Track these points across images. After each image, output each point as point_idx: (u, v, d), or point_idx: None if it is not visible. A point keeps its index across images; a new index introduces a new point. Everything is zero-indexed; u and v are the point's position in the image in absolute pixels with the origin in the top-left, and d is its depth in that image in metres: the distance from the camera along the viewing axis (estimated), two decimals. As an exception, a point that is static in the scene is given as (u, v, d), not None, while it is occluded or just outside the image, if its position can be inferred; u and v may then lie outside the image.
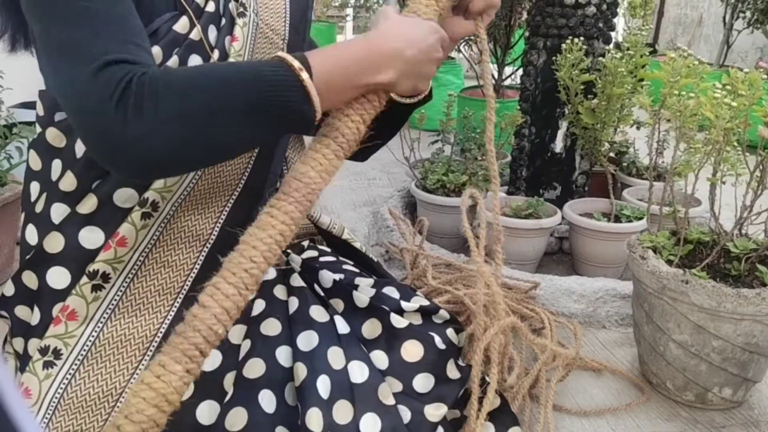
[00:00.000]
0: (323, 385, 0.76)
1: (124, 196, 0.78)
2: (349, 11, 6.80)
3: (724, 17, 4.50)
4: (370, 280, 0.93)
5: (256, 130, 0.67)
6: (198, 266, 0.81)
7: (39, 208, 0.81)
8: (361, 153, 1.02)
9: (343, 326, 0.85)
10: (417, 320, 0.89)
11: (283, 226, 0.64)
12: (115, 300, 0.78)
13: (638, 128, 2.29)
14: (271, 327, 0.82)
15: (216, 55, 0.79)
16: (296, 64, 0.65)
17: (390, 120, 0.91)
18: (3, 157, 1.89)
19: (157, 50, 0.73)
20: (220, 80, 0.64)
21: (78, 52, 0.63)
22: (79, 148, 0.77)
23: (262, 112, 0.65)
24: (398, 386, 0.81)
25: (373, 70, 0.69)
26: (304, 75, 0.65)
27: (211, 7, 0.80)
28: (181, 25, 0.76)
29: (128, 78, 0.61)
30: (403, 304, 0.90)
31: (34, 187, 0.82)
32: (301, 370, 0.76)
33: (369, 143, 0.87)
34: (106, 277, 0.77)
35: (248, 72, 0.66)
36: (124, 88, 0.61)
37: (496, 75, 3.57)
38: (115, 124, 0.61)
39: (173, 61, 0.75)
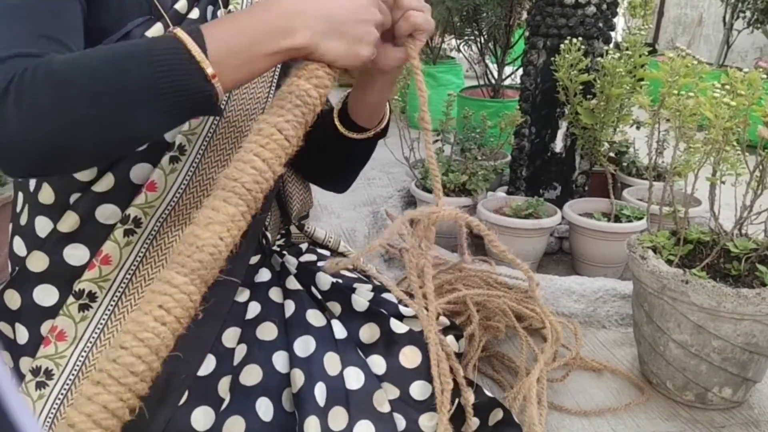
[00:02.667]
0: (320, 392, 0.75)
1: (106, 213, 0.76)
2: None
3: (724, 17, 4.50)
4: (369, 285, 0.93)
5: (149, 111, 0.60)
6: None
7: (23, 220, 0.80)
8: (338, 180, 1.01)
9: (340, 330, 0.84)
10: (416, 326, 0.89)
11: (180, 311, 0.54)
12: (103, 319, 0.77)
13: (638, 128, 2.29)
14: (267, 331, 0.81)
15: None
16: (184, 36, 0.59)
17: (351, 155, 0.89)
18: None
19: None
20: (104, 61, 0.59)
21: None
22: None
23: (151, 91, 0.58)
24: (395, 392, 0.80)
25: (281, 32, 0.62)
26: (192, 45, 0.58)
27: (194, 14, 0.78)
28: (155, 31, 0.73)
29: (12, 73, 0.57)
30: (402, 309, 0.89)
31: (20, 197, 0.81)
32: (299, 377, 0.75)
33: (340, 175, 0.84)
34: (92, 297, 0.76)
35: (135, 49, 0.60)
36: (8, 83, 0.57)
37: (496, 75, 3.56)
38: None
39: None
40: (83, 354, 0.76)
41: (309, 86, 0.64)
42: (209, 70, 0.59)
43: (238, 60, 0.61)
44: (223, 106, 0.81)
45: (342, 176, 1.00)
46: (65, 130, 0.58)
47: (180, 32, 0.59)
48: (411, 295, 0.96)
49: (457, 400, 0.83)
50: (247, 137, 0.62)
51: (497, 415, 0.90)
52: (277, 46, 0.63)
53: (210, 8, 0.81)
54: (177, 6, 0.77)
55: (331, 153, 0.92)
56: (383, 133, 0.88)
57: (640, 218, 2.07)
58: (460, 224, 0.74)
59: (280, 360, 0.79)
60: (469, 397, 0.83)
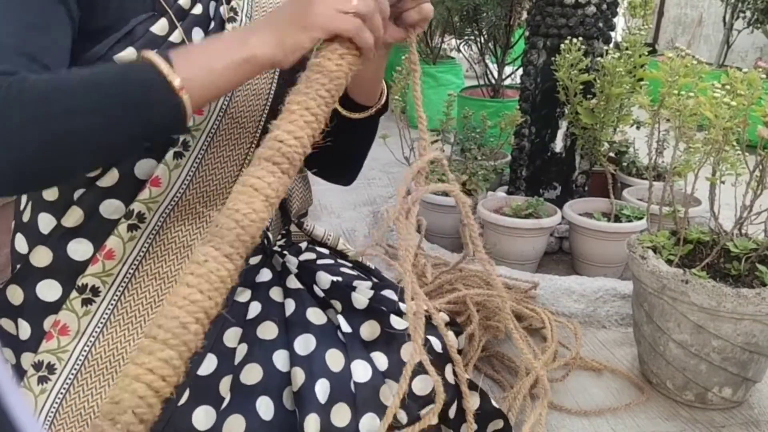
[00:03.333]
0: (322, 389, 0.75)
1: (110, 208, 0.77)
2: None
3: (724, 17, 4.50)
4: (369, 283, 0.93)
5: (122, 128, 0.61)
6: None
7: (26, 217, 0.80)
8: (344, 169, 1.01)
9: (345, 326, 0.84)
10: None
11: (217, 279, 0.54)
12: (106, 314, 0.77)
13: (638, 128, 2.29)
14: (268, 330, 0.81)
15: None
16: (153, 56, 0.61)
17: (354, 139, 0.89)
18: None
19: (130, 52, 0.71)
20: (78, 80, 0.60)
21: None
22: None
23: (124, 108, 0.60)
24: (396, 389, 0.81)
25: (239, 41, 0.64)
26: (158, 60, 0.60)
27: (197, 10, 0.78)
28: (160, 27, 0.74)
29: None
30: (402, 306, 0.90)
31: (23, 195, 0.81)
32: (299, 376, 0.75)
33: (347, 157, 0.83)
34: (95, 291, 0.76)
35: (110, 71, 0.62)
36: None
37: (496, 75, 3.57)
38: None
39: None
40: (86, 348, 0.76)
41: (331, 64, 0.64)
42: (176, 82, 0.60)
43: (203, 73, 0.63)
44: (226, 102, 0.81)
45: (348, 165, 1.00)
46: (40, 146, 0.58)
47: (149, 53, 0.62)
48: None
49: (456, 403, 0.83)
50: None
51: (497, 425, 0.90)
52: (236, 56, 0.64)
53: (213, 4, 0.81)
54: (180, 2, 0.77)
55: (335, 142, 0.94)
56: (384, 109, 0.88)
57: (640, 218, 2.07)
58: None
59: (280, 359, 0.79)
60: (472, 404, 0.83)
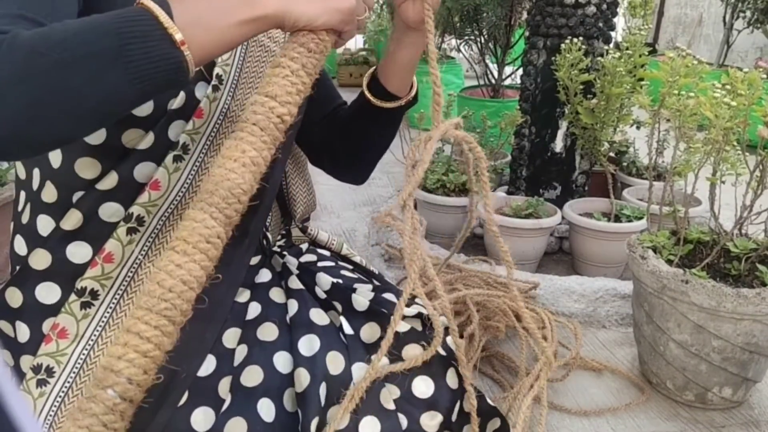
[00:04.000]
0: (324, 393, 0.75)
1: (109, 211, 0.76)
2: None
3: (724, 17, 4.50)
4: (369, 285, 0.93)
5: (118, 80, 0.57)
6: None
7: (25, 218, 0.79)
8: (361, 166, 1.02)
9: (348, 327, 0.84)
10: (417, 326, 0.88)
11: (198, 239, 0.56)
12: (105, 317, 0.76)
13: (638, 128, 2.29)
14: (268, 332, 0.81)
15: None
16: (150, 3, 0.58)
17: (380, 124, 0.89)
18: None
19: None
20: (71, 32, 0.56)
21: None
22: (54, 158, 0.76)
23: (120, 58, 0.56)
24: (396, 392, 0.81)
25: (249, 1, 0.63)
26: (158, 11, 0.57)
27: None
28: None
29: None
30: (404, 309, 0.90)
31: (22, 196, 0.81)
32: (304, 377, 0.75)
33: (367, 151, 0.84)
34: (94, 294, 0.76)
35: (102, 20, 0.58)
36: None
37: (496, 75, 3.56)
38: None
39: None
40: (84, 352, 0.76)
41: (301, 45, 0.64)
42: (177, 36, 0.58)
43: (206, 28, 0.60)
44: (227, 105, 0.81)
45: (366, 159, 1.00)
46: (33, 100, 0.55)
47: (147, 1, 0.58)
48: (412, 297, 0.96)
49: (459, 404, 0.83)
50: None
51: (495, 423, 0.90)
52: (245, 15, 0.62)
53: None
54: None
55: (356, 134, 0.94)
56: (414, 101, 0.89)
57: (640, 218, 2.07)
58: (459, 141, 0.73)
59: (281, 361, 0.79)
60: (474, 402, 0.83)
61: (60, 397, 0.74)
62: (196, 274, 0.55)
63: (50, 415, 0.74)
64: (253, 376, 0.76)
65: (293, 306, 0.84)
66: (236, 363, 0.78)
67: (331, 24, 0.67)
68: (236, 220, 0.60)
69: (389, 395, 0.78)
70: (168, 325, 0.53)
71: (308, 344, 0.79)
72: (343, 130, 0.95)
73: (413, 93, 0.89)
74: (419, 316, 0.91)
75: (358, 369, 0.79)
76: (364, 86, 0.89)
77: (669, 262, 1.39)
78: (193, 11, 0.60)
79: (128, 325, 0.52)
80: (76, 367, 0.75)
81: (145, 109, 0.74)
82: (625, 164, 2.55)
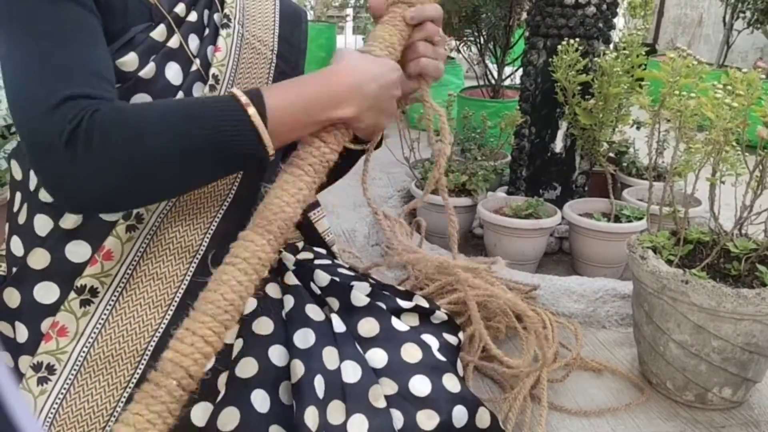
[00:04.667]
0: (319, 385, 0.76)
1: None
2: (349, 11, 6.81)
3: (724, 17, 4.50)
4: (366, 282, 0.94)
5: (208, 168, 0.69)
6: (188, 278, 0.80)
7: (22, 219, 0.80)
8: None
9: (339, 325, 0.84)
10: (414, 321, 0.89)
11: (257, 261, 0.65)
12: (105, 314, 0.77)
13: (638, 128, 2.29)
14: (264, 326, 0.82)
15: (198, 63, 0.79)
16: (244, 99, 0.66)
17: (345, 159, 0.92)
18: (2, 157, 1.89)
19: (132, 57, 0.73)
20: (171, 121, 0.65)
21: (37, 82, 0.65)
22: None
23: (213, 152, 0.66)
24: (393, 387, 0.81)
25: (333, 104, 0.71)
26: (252, 110, 0.66)
27: (192, 17, 0.80)
28: (159, 33, 0.76)
29: (80, 116, 0.63)
30: (401, 302, 0.90)
31: (17, 197, 0.81)
32: (299, 368, 0.76)
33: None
34: (94, 292, 0.77)
35: (199, 111, 0.67)
36: (75, 127, 0.62)
37: (495, 75, 3.56)
38: (64, 162, 0.63)
39: (149, 68, 0.74)
40: (85, 349, 0.76)
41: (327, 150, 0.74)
42: (265, 137, 0.67)
43: (291, 126, 0.70)
44: None
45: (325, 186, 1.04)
46: (131, 178, 0.65)
47: (245, 101, 0.66)
48: (410, 293, 0.97)
49: (465, 413, 0.83)
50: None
51: (483, 418, 0.89)
52: (327, 115, 0.71)
53: (206, 12, 0.83)
54: (177, 9, 0.79)
55: None
56: (379, 146, 0.92)
57: (640, 218, 2.07)
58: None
59: (276, 353, 0.79)
60: (485, 418, 0.84)
61: (62, 394, 0.75)
62: (250, 291, 0.64)
63: (51, 413, 0.74)
64: (247, 368, 0.77)
65: (289, 301, 0.85)
66: (232, 356, 0.79)
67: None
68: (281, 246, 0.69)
69: (380, 392, 0.79)
70: (224, 332, 0.62)
71: (303, 338, 0.80)
72: None
73: (380, 140, 0.90)
74: (416, 310, 0.91)
75: (347, 366, 0.80)
76: None
77: (669, 262, 1.39)
78: (284, 107, 0.69)
79: (194, 328, 0.61)
80: (77, 365, 0.75)
81: None
82: (624, 164, 2.56)
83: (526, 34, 2.31)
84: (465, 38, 3.59)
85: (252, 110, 0.66)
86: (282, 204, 0.68)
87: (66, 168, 0.64)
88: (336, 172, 0.92)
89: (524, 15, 3.20)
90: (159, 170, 0.66)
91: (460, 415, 0.81)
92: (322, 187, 1.02)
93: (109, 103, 0.65)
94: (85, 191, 0.65)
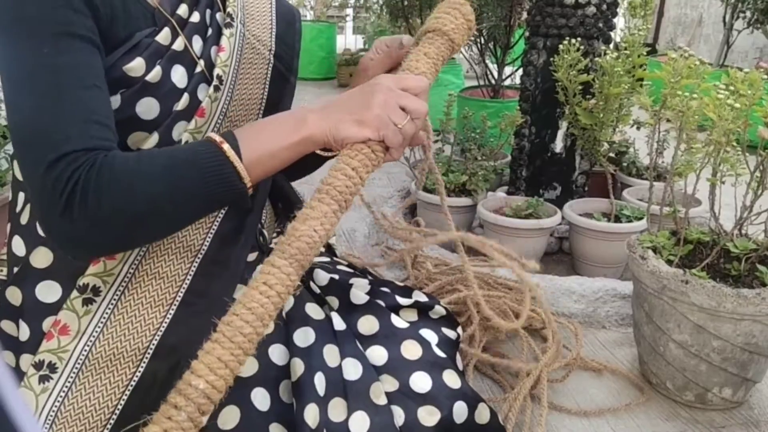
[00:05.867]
0: (320, 383, 0.76)
1: None
2: (349, 11, 6.81)
3: (724, 17, 4.50)
4: (365, 280, 0.94)
5: (196, 209, 0.72)
6: (190, 277, 0.80)
7: (24, 219, 0.80)
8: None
9: (339, 323, 0.85)
10: (413, 316, 0.89)
11: (281, 287, 0.66)
12: (107, 313, 0.77)
13: (638, 128, 2.29)
14: None
15: (202, 64, 0.80)
16: (229, 151, 0.70)
17: (310, 164, 0.92)
18: (2, 157, 1.89)
19: (139, 62, 0.73)
20: (161, 171, 0.68)
21: (37, 135, 0.66)
22: None
23: (202, 195, 0.70)
24: (394, 384, 0.81)
25: (295, 124, 0.73)
26: (234, 159, 0.69)
27: (195, 18, 0.80)
28: (163, 37, 0.76)
29: (78, 174, 0.65)
30: (399, 299, 0.91)
31: (20, 197, 0.81)
32: (299, 366, 0.76)
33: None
34: (96, 291, 0.77)
35: (185, 159, 0.70)
36: (74, 185, 0.65)
37: (496, 75, 3.56)
38: (62, 222, 0.66)
39: (156, 72, 0.74)
40: (86, 348, 0.76)
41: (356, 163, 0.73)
42: (244, 174, 0.70)
43: (262, 161, 0.72)
44: (226, 105, 0.83)
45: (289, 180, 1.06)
46: (127, 228, 0.68)
47: (223, 144, 0.70)
48: (409, 289, 0.97)
49: (465, 409, 0.83)
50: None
51: (483, 413, 0.90)
52: (292, 139, 0.72)
53: (208, 12, 0.83)
54: (179, 11, 0.79)
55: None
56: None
57: (640, 218, 2.07)
58: None
59: (276, 352, 0.80)
60: (484, 413, 0.84)
61: (63, 392, 0.75)
62: (271, 315, 0.65)
63: (53, 412, 0.74)
64: (247, 367, 0.77)
65: (289, 301, 0.85)
66: None
67: (378, 138, 0.74)
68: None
69: (381, 389, 0.79)
70: (243, 357, 0.63)
71: (303, 336, 0.81)
72: None
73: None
74: (415, 305, 0.91)
75: (348, 364, 0.80)
76: None
77: (669, 262, 1.39)
78: (255, 144, 0.72)
79: (219, 354, 0.62)
80: (79, 363, 0.76)
81: (152, 112, 0.75)
82: (625, 164, 2.55)
83: (526, 34, 2.31)
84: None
85: (230, 151, 0.70)
86: (311, 232, 0.69)
87: (65, 229, 0.67)
88: (301, 169, 0.93)
89: (524, 15, 3.20)
90: (151, 218, 0.68)
91: (460, 410, 0.82)
92: (292, 178, 1.03)
93: (103, 157, 0.67)
94: (83, 246, 0.69)
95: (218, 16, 0.84)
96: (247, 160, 0.70)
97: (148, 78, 0.74)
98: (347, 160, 0.71)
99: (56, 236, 0.68)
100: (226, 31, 0.82)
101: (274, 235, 1.04)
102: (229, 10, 0.83)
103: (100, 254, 0.74)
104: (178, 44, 0.77)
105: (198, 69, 0.79)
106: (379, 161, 0.74)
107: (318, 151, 0.76)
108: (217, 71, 0.80)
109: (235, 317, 0.63)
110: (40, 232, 0.78)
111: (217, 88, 0.80)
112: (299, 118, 0.73)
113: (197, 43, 0.80)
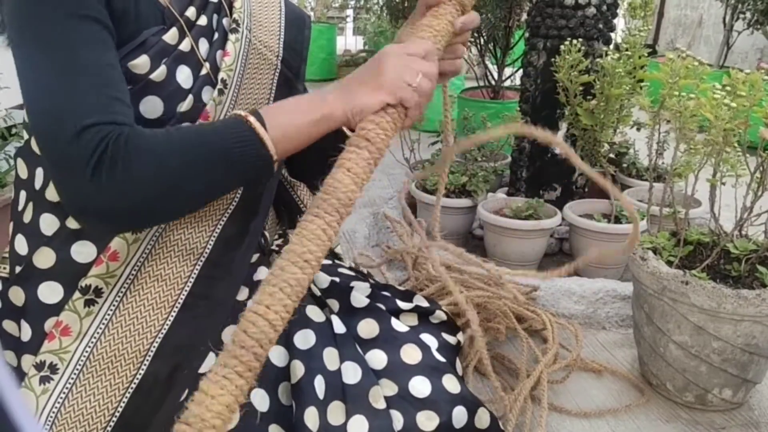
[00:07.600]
0: (319, 386, 0.76)
1: None
2: (350, 12, 6.81)
3: (724, 18, 4.50)
4: (366, 283, 0.94)
5: (225, 182, 0.73)
6: (192, 279, 0.80)
7: (27, 218, 0.80)
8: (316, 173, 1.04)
9: (339, 326, 0.85)
10: (413, 321, 0.89)
11: (321, 238, 0.64)
12: (108, 314, 0.77)
13: (638, 129, 2.29)
14: None
15: (207, 67, 0.80)
16: (256, 124, 0.71)
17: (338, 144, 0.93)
18: (2, 158, 1.89)
19: (144, 59, 0.74)
20: (190, 140, 0.70)
21: (62, 108, 0.66)
22: None
23: (227, 165, 0.71)
24: (393, 388, 0.81)
25: (317, 102, 0.74)
26: (261, 131, 0.71)
27: (202, 21, 0.81)
28: (170, 36, 0.77)
29: (105, 143, 0.65)
30: (400, 303, 0.91)
31: (22, 196, 0.81)
32: (299, 368, 0.76)
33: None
34: (98, 292, 0.77)
35: (213, 130, 0.72)
36: (102, 153, 0.65)
37: (496, 76, 3.57)
38: (89, 186, 0.66)
39: (161, 71, 0.75)
40: (88, 349, 0.76)
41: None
42: (269, 143, 0.71)
43: (289, 135, 0.73)
44: (230, 109, 0.84)
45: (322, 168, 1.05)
46: (155, 198, 0.68)
47: (250, 118, 0.71)
48: (410, 293, 0.97)
49: (465, 414, 0.83)
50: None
51: (483, 418, 0.90)
52: (314, 115, 0.73)
53: (215, 16, 0.84)
54: (188, 13, 0.80)
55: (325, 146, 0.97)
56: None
57: (640, 219, 2.06)
58: None
59: (276, 354, 0.80)
60: (484, 418, 0.84)
61: (64, 393, 0.75)
62: (284, 317, 0.63)
63: (53, 412, 0.74)
64: None
65: None
66: None
67: (395, 101, 0.73)
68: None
69: (380, 393, 0.79)
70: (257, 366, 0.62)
71: (304, 339, 0.81)
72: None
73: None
74: (415, 310, 0.91)
75: (348, 367, 0.80)
76: None
77: (669, 263, 1.39)
78: (278, 120, 0.73)
79: (233, 363, 0.61)
80: (80, 364, 0.76)
81: (156, 112, 0.75)
82: (625, 165, 2.55)
83: (526, 35, 2.31)
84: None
85: (257, 124, 0.71)
86: (345, 180, 0.67)
87: (91, 195, 0.66)
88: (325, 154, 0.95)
89: (524, 16, 3.20)
90: (177, 188, 0.69)
91: (460, 415, 0.81)
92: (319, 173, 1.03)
93: (130, 129, 0.67)
94: (108, 214, 0.69)
95: (225, 21, 0.85)
96: (272, 133, 0.71)
97: (152, 76, 0.74)
98: (367, 124, 0.71)
99: (81, 203, 0.68)
100: (232, 36, 0.83)
101: (276, 237, 1.04)
102: (235, 15, 0.85)
103: (121, 225, 0.73)
104: (185, 45, 0.78)
105: (203, 71, 0.80)
106: (401, 124, 0.75)
107: (344, 128, 0.77)
108: (221, 75, 0.81)
109: (284, 267, 0.63)
110: (43, 231, 0.78)
111: (221, 92, 0.81)
112: (318, 97, 0.75)
113: (203, 45, 0.81)
